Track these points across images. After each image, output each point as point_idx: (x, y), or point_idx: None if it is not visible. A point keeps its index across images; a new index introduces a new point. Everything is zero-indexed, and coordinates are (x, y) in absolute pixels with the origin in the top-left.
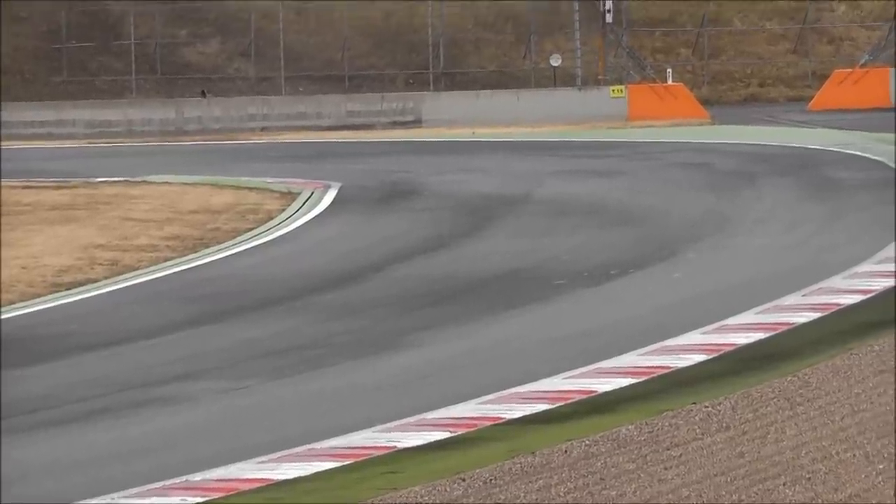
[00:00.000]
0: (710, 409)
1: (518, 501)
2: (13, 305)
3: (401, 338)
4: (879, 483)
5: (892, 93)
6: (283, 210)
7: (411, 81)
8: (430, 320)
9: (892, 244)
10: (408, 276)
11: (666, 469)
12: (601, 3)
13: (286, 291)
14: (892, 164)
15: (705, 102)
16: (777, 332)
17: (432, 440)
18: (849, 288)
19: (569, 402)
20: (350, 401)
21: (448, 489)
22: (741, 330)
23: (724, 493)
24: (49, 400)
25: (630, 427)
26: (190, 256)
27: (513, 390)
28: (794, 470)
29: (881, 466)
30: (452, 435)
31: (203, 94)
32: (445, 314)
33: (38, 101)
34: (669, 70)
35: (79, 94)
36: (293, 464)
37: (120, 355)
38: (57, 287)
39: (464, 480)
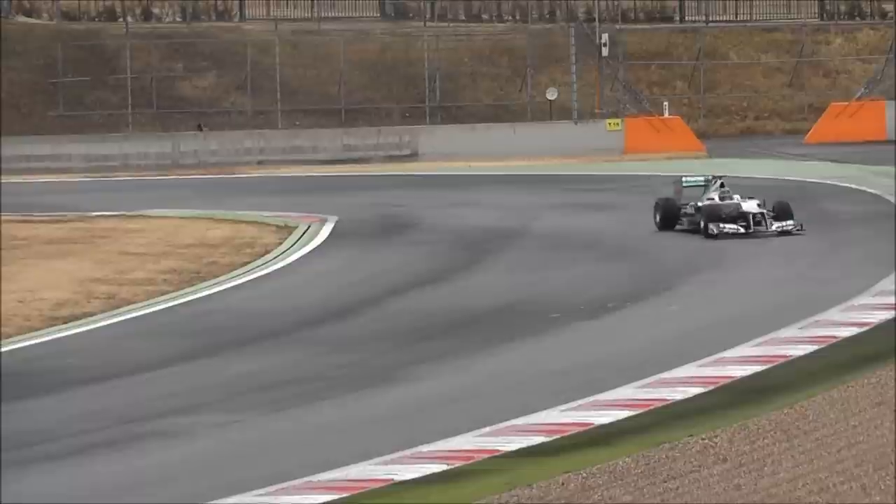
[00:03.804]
0: (707, 441)
1: None
2: (10, 339)
3: (397, 371)
4: None
5: (887, 126)
6: (280, 244)
7: (407, 115)
8: (427, 354)
9: (888, 277)
10: (404, 309)
11: (663, 502)
12: (597, 36)
13: (283, 325)
14: (888, 197)
15: (702, 135)
16: (774, 364)
17: (429, 473)
18: (846, 321)
19: (566, 434)
20: (347, 434)
21: None
22: (738, 362)
23: None
24: (47, 433)
25: (627, 459)
26: (187, 290)
27: (510, 423)
28: (790, 502)
29: (878, 499)
30: (449, 467)
31: (199, 127)
32: (442, 348)
33: (34, 135)
34: (666, 103)
35: (75, 128)
36: (291, 496)
37: (117, 389)
38: (54, 321)
39: None
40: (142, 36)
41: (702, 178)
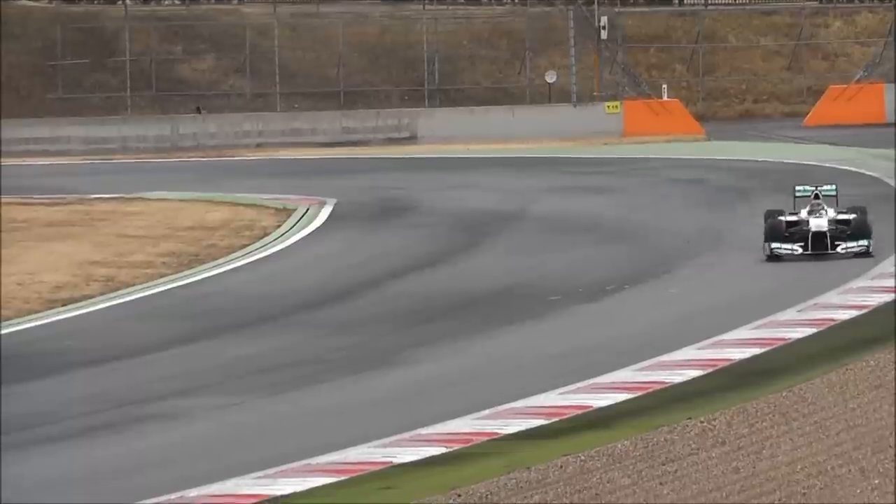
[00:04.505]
0: (705, 424)
1: None
2: (9, 322)
3: (396, 354)
4: (875, 499)
5: (886, 108)
6: (279, 226)
7: (406, 98)
8: (426, 336)
9: (887, 260)
10: (403, 292)
11: (661, 484)
12: (596, 19)
13: (282, 308)
14: (887, 180)
15: (700, 118)
16: (772, 347)
17: (428, 455)
18: (844, 304)
19: (564, 417)
20: (346, 416)
21: None
22: (736, 345)
23: None
24: (46, 416)
25: (626, 442)
26: (185, 273)
27: (508, 406)
28: (789, 485)
29: (877, 482)
30: (448, 450)
31: (198, 110)
32: (441, 330)
33: (32, 117)
34: (665, 86)
35: (74, 110)
36: (290, 479)
37: (116, 371)
38: (53, 303)
39: (459, 496)
40: (141, 18)
41: (812, 188)
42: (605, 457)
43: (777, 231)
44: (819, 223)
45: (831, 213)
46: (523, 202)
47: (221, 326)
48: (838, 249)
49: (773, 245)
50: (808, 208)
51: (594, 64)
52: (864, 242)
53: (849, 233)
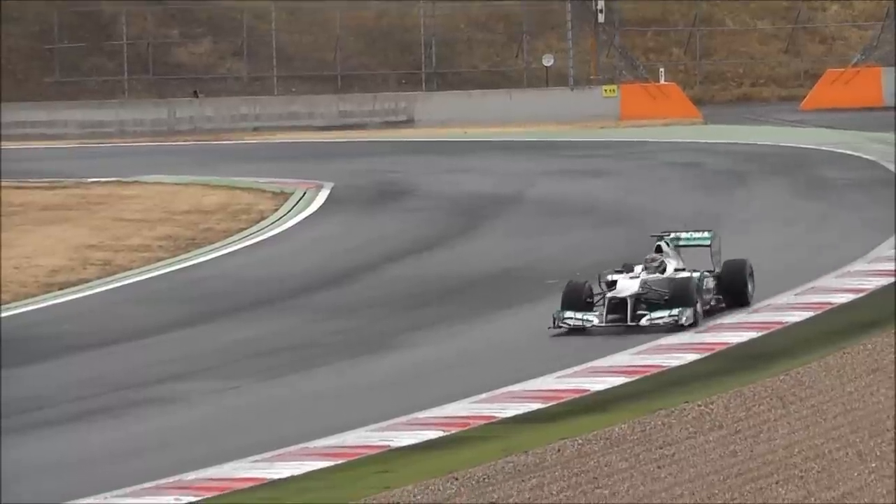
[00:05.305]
0: (702, 407)
1: (511, 500)
2: (6, 305)
3: (393, 337)
4: (872, 481)
5: (883, 92)
6: (276, 210)
7: (403, 81)
8: (423, 320)
9: (884, 243)
10: (400, 276)
11: (659, 468)
12: (593, 2)
13: (279, 291)
14: (884, 163)
15: (697, 102)
16: (770, 331)
17: (425, 439)
18: (841, 287)
19: (562, 401)
20: (343, 400)
21: (441, 488)
22: (734, 329)
23: (716, 491)
24: (43, 400)
25: (623, 426)
26: (182, 256)
27: (505, 389)
28: (786, 468)
29: (874, 465)
30: (445, 434)
31: (195, 94)
32: (438, 314)
33: (29, 101)
34: (662, 70)
35: (71, 94)
36: (287, 463)
37: (113, 355)
38: (49, 287)
39: (456, 479)
40: (138, 2)
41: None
42: (602, 440)
43: (576, 296)
44: (624, 286)
45: (670, 269)
46: (520, 185)
47: (218, 310)
48: (642, 321)
49: (566, 315)
50: (643, 264)
51: (591, 47)
52: (675, 313)
53: (667, 298)
